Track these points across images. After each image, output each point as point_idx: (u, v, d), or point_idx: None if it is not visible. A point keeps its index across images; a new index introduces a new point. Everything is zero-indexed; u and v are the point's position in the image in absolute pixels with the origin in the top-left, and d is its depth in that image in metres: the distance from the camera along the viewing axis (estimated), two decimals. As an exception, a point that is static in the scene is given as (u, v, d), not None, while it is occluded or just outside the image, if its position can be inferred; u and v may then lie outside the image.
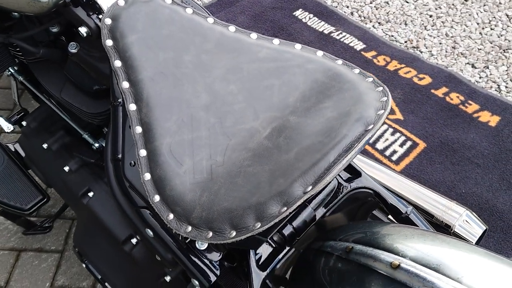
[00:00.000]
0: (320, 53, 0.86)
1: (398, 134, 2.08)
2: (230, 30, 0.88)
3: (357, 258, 0.76)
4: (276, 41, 0.88)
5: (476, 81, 2.30)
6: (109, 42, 0.84)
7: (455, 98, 2.20)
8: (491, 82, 2.30)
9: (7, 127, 1.39)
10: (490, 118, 2.12)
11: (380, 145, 2.05)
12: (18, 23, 1.07)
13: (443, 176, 1.93)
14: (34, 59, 1.08)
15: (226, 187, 0.72)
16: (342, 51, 2.43)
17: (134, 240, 1.01)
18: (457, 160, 1.97)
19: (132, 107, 0.81)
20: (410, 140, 2.05)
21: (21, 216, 1.53)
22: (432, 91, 2.24)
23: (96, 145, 1.18)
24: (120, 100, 0.90)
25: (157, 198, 0.75)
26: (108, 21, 0.85)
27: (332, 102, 0.76)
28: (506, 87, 2.27)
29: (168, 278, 1.04)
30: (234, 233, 0.67)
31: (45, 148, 1.25)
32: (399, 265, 0.69)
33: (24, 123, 1.34)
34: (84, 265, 1.13)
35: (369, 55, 2.42)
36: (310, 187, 0.65)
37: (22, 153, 1.41)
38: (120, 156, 0.87)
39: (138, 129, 0.80)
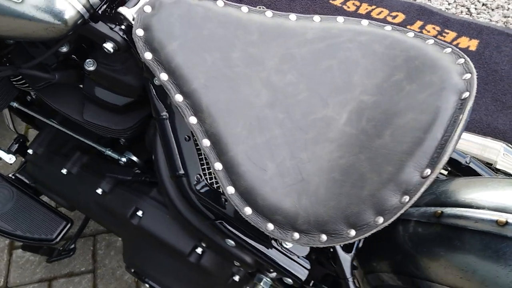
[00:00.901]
0: (365, 22, 0.82)
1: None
2: (268, 16, 0.82)
3: (451, 222, 0.76)
4: (316, 18, 0.83)
5: (446, 9, 2.32)
6: (148, 55, 0.77)
7: (431, 30, 2.22)
8: (460, 7, 2.33)
9: (9, 158, 1.29)
10: (469, 43, 2.16)
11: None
12: (17, 50, 0.97)
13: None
14: (43, 85, 0.99)
15: (324, 185, 0.69)
16: (311, 3, 2.38)
17: (199, 250, 0.98)
18: (450, 91, 2.00)
19: (193, 120, 0.75)
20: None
21: (43, 246, 1.46)
22: (408, 27, 2.24)
23: (123, 159, 1.11)
24: (164, 113, 0.84)
25: (248, 210, 0.71)
26: (140, 32, 0.78)
27: (404, 73, 0.73)
28: (475, 8, 2.31)
29: (237, 278, 1.02)
30: (353, 232, 0.65)
31: (65, 173, 1.16)
32: (506, 221, 0.69)
33: (30, 151, 1.25)
34: (147, 285, 1.08)
35: (337, 2, 2.38)
36: (429, 170, 0.62)
37: (27, 181, 1.32)
38: (181, 172, 0.82)
39: (206, 142, 0.75)
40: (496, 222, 0.70)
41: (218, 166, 0.74)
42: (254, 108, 0.75)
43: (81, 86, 1.00)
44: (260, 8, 0.89)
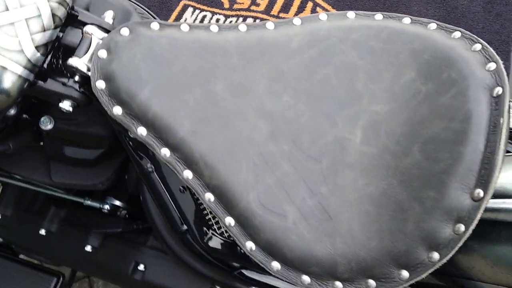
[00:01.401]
0: (351, 14, 0.72)
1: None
2: (242, 30, 0.71)
3: (487, 216, 0.69)
4: (296, 20, 0.72)
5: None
6: (117, 110, 0.65)
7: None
8: None
9: None
10: (423, -17, 2.07)
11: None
12: None
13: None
14: None
15: (357, 221, 0.60)
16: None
17: None
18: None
19: (188, 174, 0.65)
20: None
21: None
22: None
23: (106, 206, 0.99)
24: (149, 166, 0.73)
25: (276, 265, 0.62)
26: (101, 84, 0.65)
27: (414, 71, 0.64)
28: None
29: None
30: (406, 274, 0.57)
31: (44, 234, 1.04)
32: None
33: None
34: None
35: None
36: (480, 191, 0.54)
37: (1, 241, 1.19)
38: (184, 227, 0.72)
39: (210, 197, 0.64)
40: None
41: (230, 221, 0.64)
42: (254, 145, 0.65)
43: (41, 144, 0.86)
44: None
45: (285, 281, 0.63)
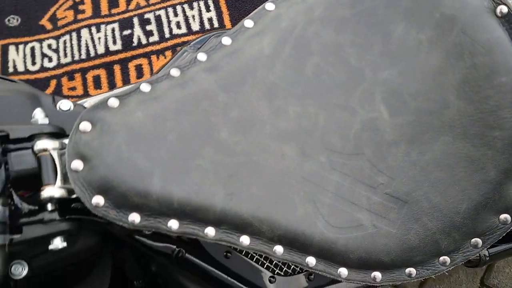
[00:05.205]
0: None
1: (195, 4, 1.90)
2: (202, 60, 0.60)
3: None
4: (248, 22, 0.63)
5: None
6: (135, 217, 0.52)
7: None
8: None
9: None
10: None
11: (195, 26, 1.86)
12: None
13: (261, 2, 1.89)
14: None
15: (434, 192, 0.58)
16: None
17: None
18: None
19: (246, 240, 0.56)
20: (209, -2, 1.90)
21: None
22: None
23: None
24: (176, 249, 0.62)
25: (378, 275, 0.58)
26: (100, 200, 0.51)
27: (401, 22, 0.61)
28: None
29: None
30: (509, 217, 0.56)
31: None
32: None
33: None
34: None
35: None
36: None
37: None
38: None
39: (280, 249, 0.57)
40: None
41: (311, 261, 0.57)
42: (293, 174, 0.58)
43: None
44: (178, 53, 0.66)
45: (392, 284, 0.59)
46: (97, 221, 0.57)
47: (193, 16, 1.88)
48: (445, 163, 0.58)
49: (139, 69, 1.80)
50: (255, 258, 0.65)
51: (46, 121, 0.57)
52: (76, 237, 0.58)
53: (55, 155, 0.53)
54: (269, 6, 0.64)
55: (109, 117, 0.53)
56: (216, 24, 1.86)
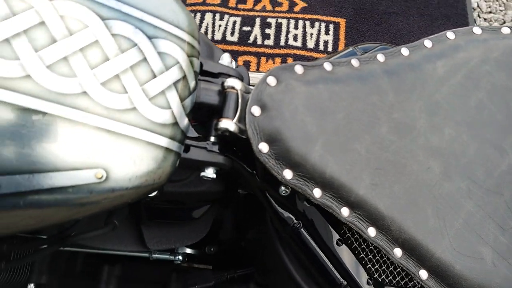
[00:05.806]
0: (477, 30, 0.69)
1: (317, 23, 1.96)
2: (381, 60, 0.64)
3: None
4: (428, 43, 0.67)
5: None
6: (288, 174, 0.56)
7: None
8: None
9: None
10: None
11: (310, 44, 1.92)
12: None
13: (376, 38, 1.94)
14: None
15: None
16: None
17: None
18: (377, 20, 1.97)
19: (372, 232, 0.58)
20: (331, 23, 1.96)
21: None
22: None
23: (179, 257, 0.87)
24: (296, 221, 0.65)
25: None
26: (264, 147, 0.55)
27: None
28: None
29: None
30: None
31: None
32: None
33: (31, 286, 0.93)
34: None
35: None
36: None
37: None
38: (344, 282, 0.66)
39: (398, 252, 0.59)
40: None
41: (423, 274, 0.59)
42: (433, 187, 0.60)
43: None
44: (357, 52, 0.70)
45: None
46: (244, 169, 0.62)
47: (311, 34, 1.94)
48: None
49: (246, 65, 1.88)
50: (361, 256, 0.67)
51: (233, 65, 0.62)
52: (221, 177, 0.63)
53: (239, 95, 0.58)
54: (450, 35, 0.68)
55: (293, 80, 0.58)
56: (330, 48, 1.92)
